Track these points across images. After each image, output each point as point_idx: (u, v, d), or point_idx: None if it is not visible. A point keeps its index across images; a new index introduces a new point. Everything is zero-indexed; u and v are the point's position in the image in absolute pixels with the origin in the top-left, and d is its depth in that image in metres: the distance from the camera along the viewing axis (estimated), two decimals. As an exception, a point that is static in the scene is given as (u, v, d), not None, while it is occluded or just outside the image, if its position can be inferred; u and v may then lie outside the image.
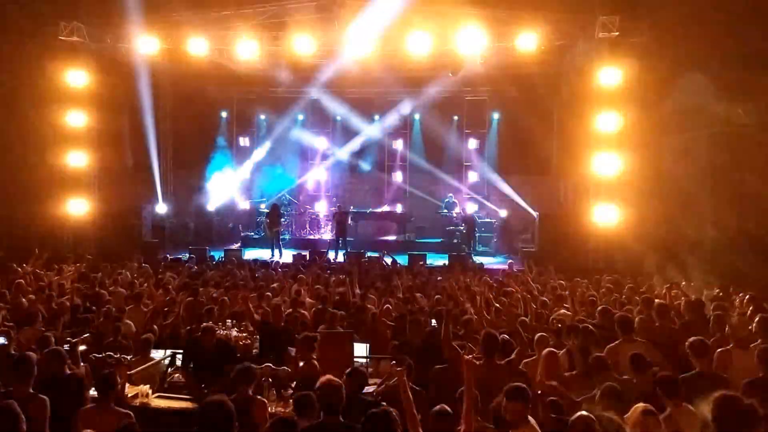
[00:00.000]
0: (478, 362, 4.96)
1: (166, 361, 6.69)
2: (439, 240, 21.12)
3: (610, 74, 16.10)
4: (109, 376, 4.97)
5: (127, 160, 20.77)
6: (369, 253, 17.48)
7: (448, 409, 4.36)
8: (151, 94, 19.95)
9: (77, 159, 17.61)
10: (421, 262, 16.11)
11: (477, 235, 20.35)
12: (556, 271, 13.29)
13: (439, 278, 12.65)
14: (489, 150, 22.97)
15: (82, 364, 5.99)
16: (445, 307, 7.78)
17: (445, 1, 15.76)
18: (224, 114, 23.73)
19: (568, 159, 18.71)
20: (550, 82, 19.57)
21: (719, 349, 6.15)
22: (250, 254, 18.07)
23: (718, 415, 3.81)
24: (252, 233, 21.97)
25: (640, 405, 4.16)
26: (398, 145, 23.62)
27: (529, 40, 16.07)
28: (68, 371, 5.32)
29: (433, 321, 8.01)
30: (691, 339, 5.79)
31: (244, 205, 23.32)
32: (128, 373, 5.87)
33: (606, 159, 16.33)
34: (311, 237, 21.60)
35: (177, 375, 6.37)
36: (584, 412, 3.99)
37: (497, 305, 9.21)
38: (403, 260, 16.28)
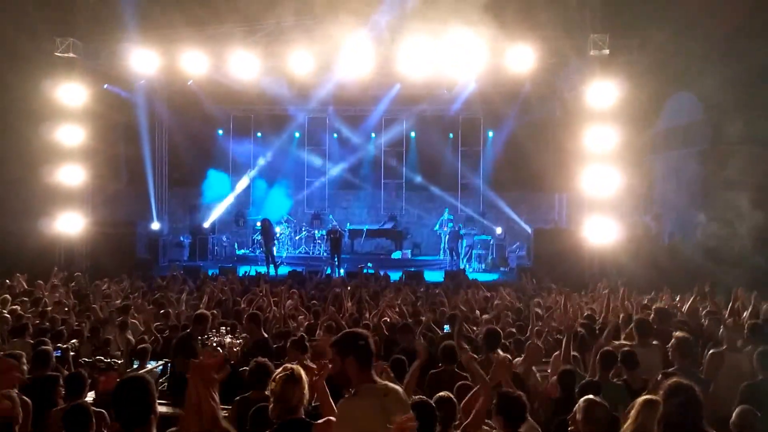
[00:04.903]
0: (477, 357, 4.97)
1: (158, 370, 6.65)
2: (435, 257, 21.10)
3: (602, 92, 16.23)
4: (79, 376, 4.93)
5: (122, 176, 20.74)
6: (365, 270, 17.50)
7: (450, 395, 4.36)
8: (147, 111, 20.03)
9: (71, 175, 17.54)
10: (418, 279, 16.11)
11: (466, 249, 20.35)
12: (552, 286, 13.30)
13: (437, 291, 12.65)
14: (484, 167, 23.05)
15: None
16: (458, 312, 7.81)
17: (440, 20, 15.90)
18: (221, 131, 23.75)
19: (563, 176, 18.79)
20: (544, 100, 19.71)
21: (711, 351, 6.26)
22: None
23: (667, 399, 3.89)
24: (247, 250, 21.94)
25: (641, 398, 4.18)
26: (394, 162, 23.66)
27: (523, 59, 16.18)
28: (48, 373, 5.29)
29: (446, 326, 7.98)
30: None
31: (239, 222, 23.29)
32: (118, 379, 5.79)
33: (599, 175, 16.40)
34: (307, 255, 21.55)
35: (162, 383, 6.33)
36: (591, 396, 4.02)
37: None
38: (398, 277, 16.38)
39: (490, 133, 23.02)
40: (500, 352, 6.11)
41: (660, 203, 19.58)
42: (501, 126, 22.06)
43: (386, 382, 3.92)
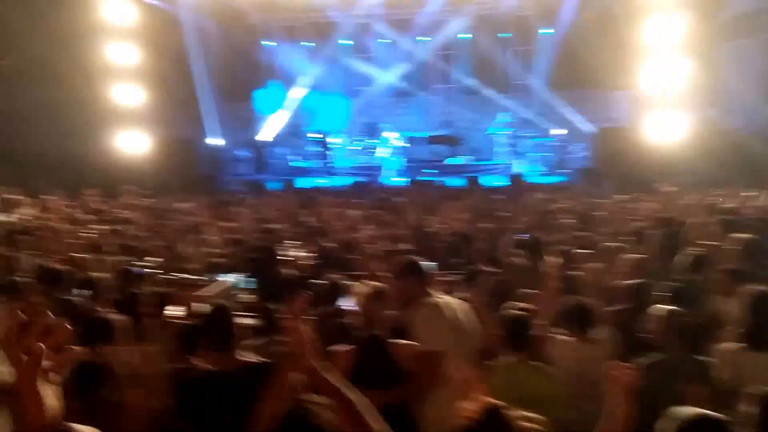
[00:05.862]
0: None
1: (232, 283, 6.88)
2: (493, 162, 20.76)
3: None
4: (162, 293, 5.21)
5: (175, 94, 20.78)
6: (423, 178, 17.60)
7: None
8: (192, 26, 19.79)
9: (129, 95, 17.81)
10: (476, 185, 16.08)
11: (524, 152, 20.00)
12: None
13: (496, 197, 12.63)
14: (539, 66, 22.20)
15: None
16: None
17: None
18: (267, 43, 23.37)
19: (624, 71, 18.00)
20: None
21: None
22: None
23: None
24: (306, 163, 21.94)
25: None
26: (446, 66, 23.01)
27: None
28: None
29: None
30: None
31: (294, 134, 23.26)
32: (195, 294, 6.02)
33: (662, 69, 15.69)
34: (364, 165, 21.44)
35: (245, 296, 6.54)
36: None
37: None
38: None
39: (545, 31, 22.04)
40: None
41: (727, 96, 18.61)
42: (556, 22, 21.09)
43: (446, 296, 4.00)
